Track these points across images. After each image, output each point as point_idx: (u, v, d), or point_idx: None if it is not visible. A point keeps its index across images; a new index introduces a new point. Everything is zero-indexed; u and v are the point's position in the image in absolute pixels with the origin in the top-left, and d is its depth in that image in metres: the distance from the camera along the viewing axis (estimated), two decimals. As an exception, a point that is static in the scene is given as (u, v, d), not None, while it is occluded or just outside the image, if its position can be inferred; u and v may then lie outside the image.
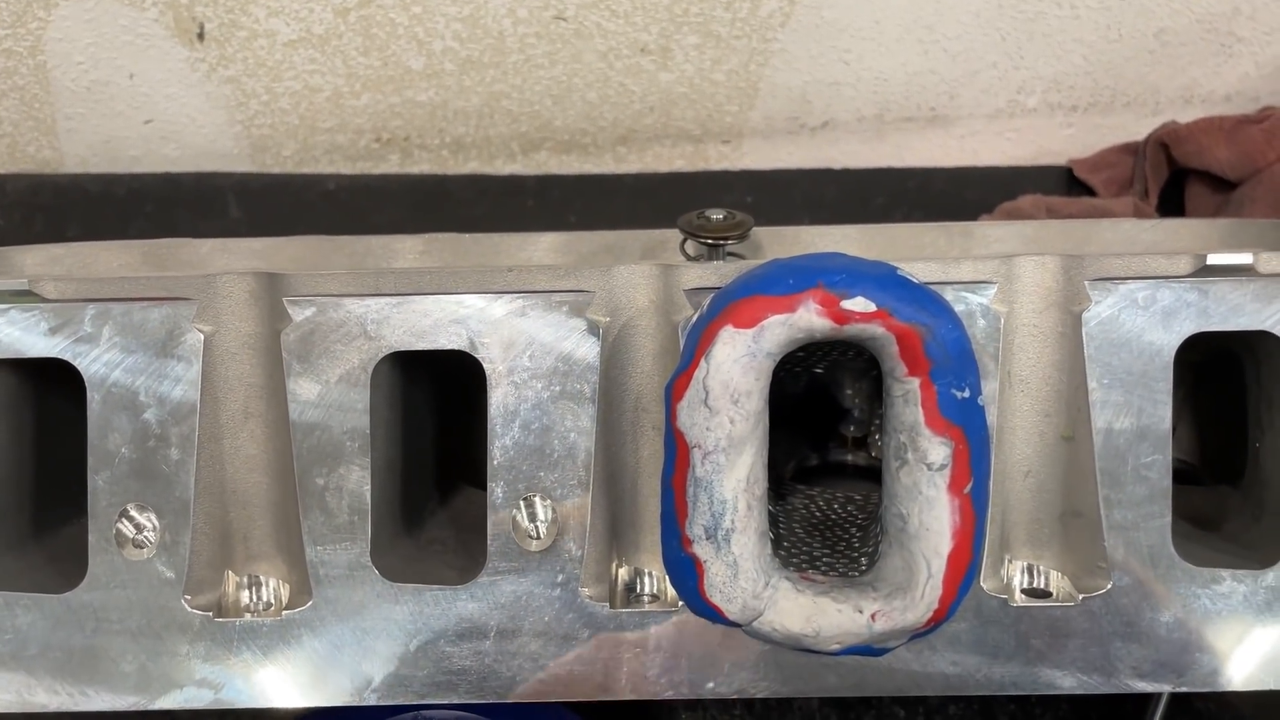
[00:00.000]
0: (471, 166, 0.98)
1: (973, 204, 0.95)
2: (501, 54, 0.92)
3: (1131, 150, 0.97)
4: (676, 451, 0.49)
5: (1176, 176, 0.96)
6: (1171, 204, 0.95)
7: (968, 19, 0.93)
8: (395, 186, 0.95)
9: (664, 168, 0.99)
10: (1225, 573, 0.53)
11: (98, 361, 0.53)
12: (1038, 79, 0.96)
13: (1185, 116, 0.96)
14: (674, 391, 0.49)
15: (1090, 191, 0.97)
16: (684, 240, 0.64)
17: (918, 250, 0.67)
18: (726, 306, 0.48)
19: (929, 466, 0.49)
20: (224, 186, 0.94)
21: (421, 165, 0.98)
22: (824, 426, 0.69)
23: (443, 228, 0.94)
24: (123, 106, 0.94)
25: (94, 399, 0.53)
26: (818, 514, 0.61)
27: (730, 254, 0.64)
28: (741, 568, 0.49)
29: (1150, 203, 0.94)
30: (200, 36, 0.91)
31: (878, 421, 0.67)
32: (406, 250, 0.67)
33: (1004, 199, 0.94)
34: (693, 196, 0.95)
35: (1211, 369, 0.64)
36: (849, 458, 0.69)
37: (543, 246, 0.68)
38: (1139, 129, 0.98)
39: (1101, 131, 0.99)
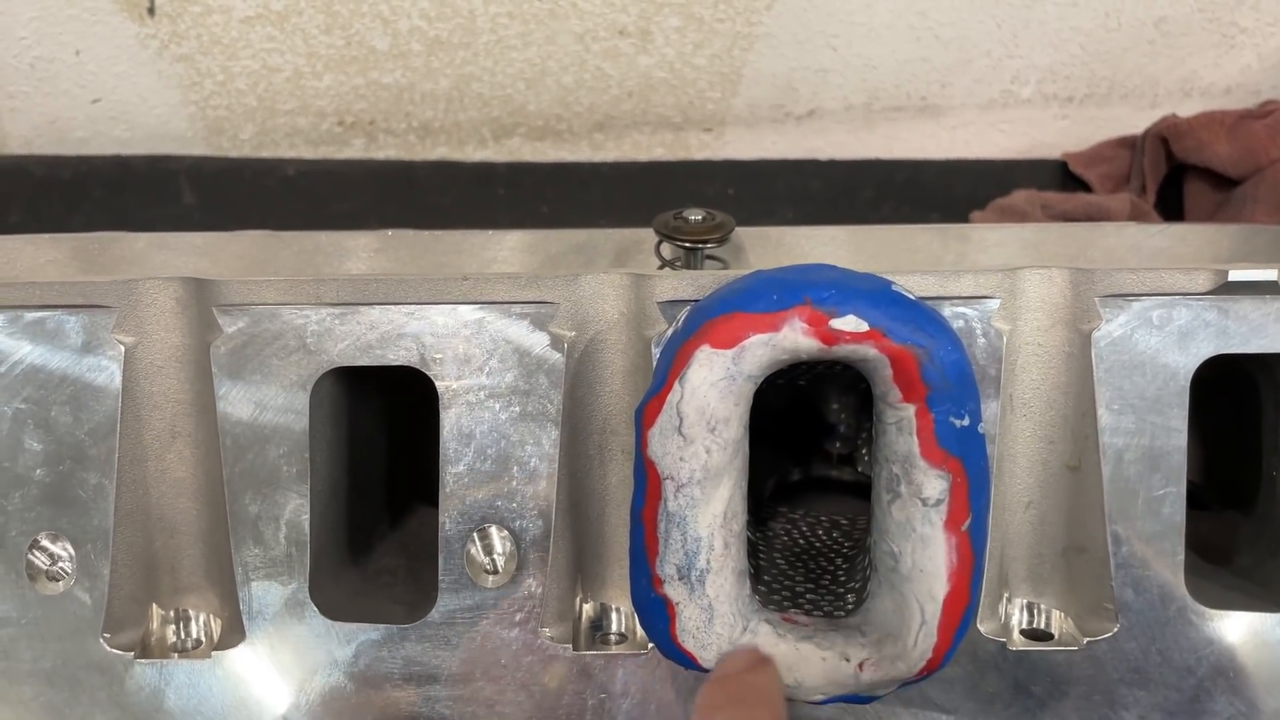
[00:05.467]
0: (440, 153, 0.95)
1: (963, 198, 0.93)
2: (472, 34, 0.89)
3: (1128, 144, 0.95)
4: (647, 482, 0.45)
5: (1174, 173, 0.93)
6: (1169, 200, 0.92)
7: (962, 4, 0.91)
8: (359, 173, 0.92)
9: (642, 156, 0.96)
10: (1241, 615, 0.50)
11: (8, 375, 0.49)
12: (1033, 68, 0.94)
13: (1184, 109, 0.94)
14: (645, 417, 0.44)
15: (1085, 186, 0.95)
16: (659, 242, 0.60)
17: (910, 255, 0.63)
18: (703, 324, 0.44)
19: (924, 501, 0.44)
20: (177, 170, 0.91)
21: (387, 151, 0.95)
22: (807, 440, 0.65)
23: (409, 216, 0.91)
24: (69, 85, 0.90)
25: (2, 416, 0.49)
26: (800, 541, 0.57)
27: (709, 257, 0.60)
28: (717, 611, 0.45)
29: (1148, 199, 0.92)
30: (151, 11, 0.87)
31: (864, 436, 0.63)
32: (360, 248, 0.63)
33: (996, 193, 0.92)
34: (672, 187, 0.93)
35: (1219, 382, 0.60)
36: (834, 473, 0.65)
37: (508, 245, 0.63)
38: (1136, 122, 0.96)
39: (1097, 124, 0.97)
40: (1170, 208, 0.93)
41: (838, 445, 0.63)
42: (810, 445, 0.65)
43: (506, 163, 0.93)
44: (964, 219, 0.91)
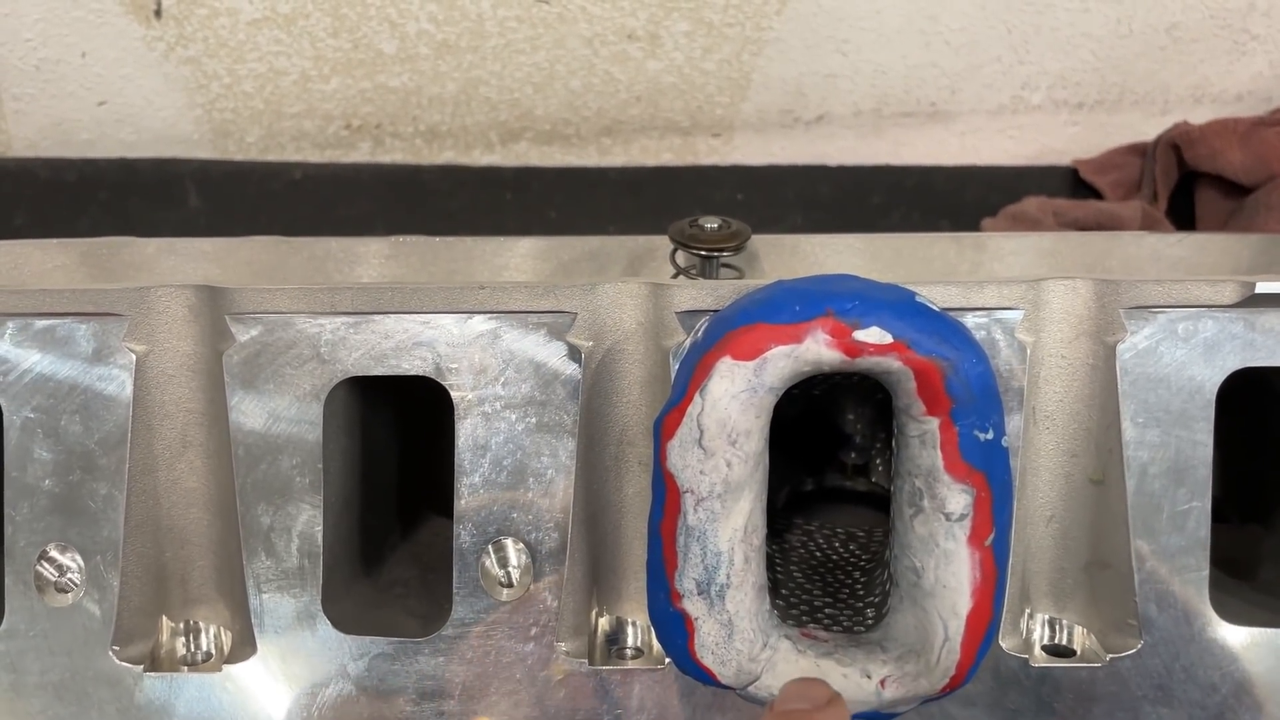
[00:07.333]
0: (447, 156, 0.94)
1: (973, 204, 0.93)
2: (480, 38, 0.88)
3: (1139, 151, 0.95)
4: (666, 495, 0.44)
5: (1185, 180, 0.93)
6: (1180, 208, 0.92)
7: (972, 10, 0.90)
8: (366, 176, 0.92)
9: (650, 161, 0.95)
10: (1266, 631, 0.49)
11: (17, 384, 0.48)
12: (1043, 74, 0.94)
13: (1195, 116, 0.93)
14: (664, 429, 0.44)
15: (1096, 193, 0.94)
16: (674, 250, 0.59)
17: (926, 263, 0.63)
18: (725, 335, 0.43)
19: (947, 516, 0.44)
20: (183, 174, 0.91)
21: (394, 154, 0.94)
22: (821, 450, 0.64)
23: (415, 221, 0.90)
24: (74, 87, 0.90)
25: (12, 425, 0.48)
26: (817, 554, 0.56)
27: (724, 265, 0.59)
28: (737, 627, 0.44)
29: (1159, 207, 0.92)
30: (157, 13, 0.87)
31: (879, 446, 0.63)
32: (371, 254, 0.62)
33: (1006, 199, 0.92)
34: (680, 192, 0.92)
35: (1239, 394, 0.59)
36: (848, 484, 0.64)
37: (520, 252, 0.63)
38: (1146, 129, 0.95)
39: (1107, 130, 0.97)
40: (1181, 215, 0.92)
41: (853, 455, 0.62)
42: (824, 455, 0.64)
43: (514, 167, 0.93)
44: (974, 225, 0.91)
